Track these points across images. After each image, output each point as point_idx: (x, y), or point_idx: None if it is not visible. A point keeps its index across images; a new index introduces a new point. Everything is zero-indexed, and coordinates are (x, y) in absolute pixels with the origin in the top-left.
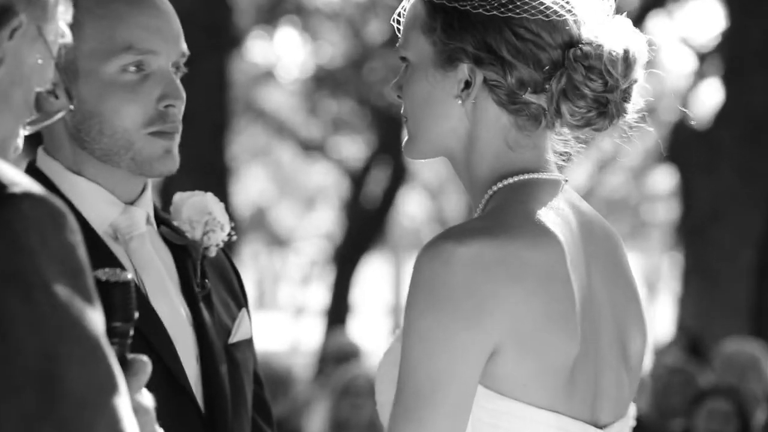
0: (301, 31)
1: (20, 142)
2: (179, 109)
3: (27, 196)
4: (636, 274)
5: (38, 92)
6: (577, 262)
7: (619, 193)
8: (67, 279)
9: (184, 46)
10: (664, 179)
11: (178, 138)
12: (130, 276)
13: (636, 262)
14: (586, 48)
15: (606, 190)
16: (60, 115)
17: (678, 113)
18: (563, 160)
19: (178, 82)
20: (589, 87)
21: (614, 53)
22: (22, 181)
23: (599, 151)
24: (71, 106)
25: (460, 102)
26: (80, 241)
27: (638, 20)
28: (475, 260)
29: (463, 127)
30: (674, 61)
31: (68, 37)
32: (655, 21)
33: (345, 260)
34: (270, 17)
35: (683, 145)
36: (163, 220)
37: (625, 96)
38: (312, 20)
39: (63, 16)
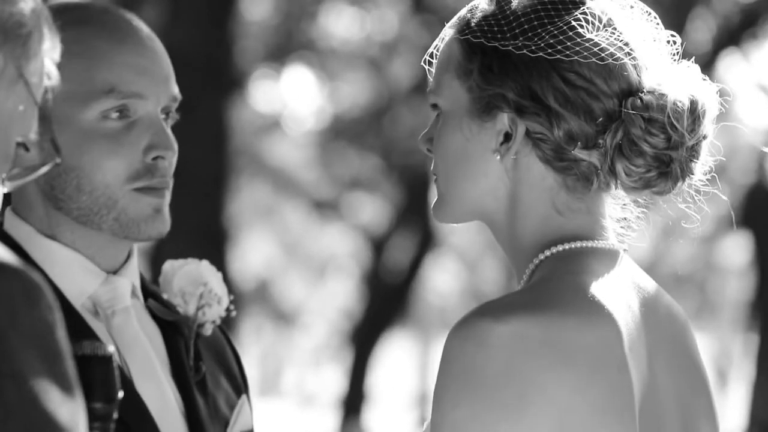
0: (317, 70)
1: None
2: (170, 161)
3: None
4: (705, 359)
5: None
6: (637, 345)
7: (686, 265)
8: (42, 364)
9: (176, 89)
10: (738, 250)
11: (168, 195)
12: (111, 349)
13: (704, 345)
14: (646, 97)
15: (671, 263)
16: (45, 168)
17: (754, 173)
18: (622, 227)
19: (169, 130)
20: (649, 143)
21: (679, 104)
22: None
23: (663, 217)
24: (58, 159)
25: (498, 157)
26: (59, 320)
27: (708, 63)
28: (516, 341)
29: (503, 186)
30: (749, 111)
31: (55, 79)
32: (728, 63)
33: (363, 340)
34: (279, 54)
35: (759, 210)
36: (151, 292)
37: (692, 154)
38: (327, 61)
39: (49, 53)
